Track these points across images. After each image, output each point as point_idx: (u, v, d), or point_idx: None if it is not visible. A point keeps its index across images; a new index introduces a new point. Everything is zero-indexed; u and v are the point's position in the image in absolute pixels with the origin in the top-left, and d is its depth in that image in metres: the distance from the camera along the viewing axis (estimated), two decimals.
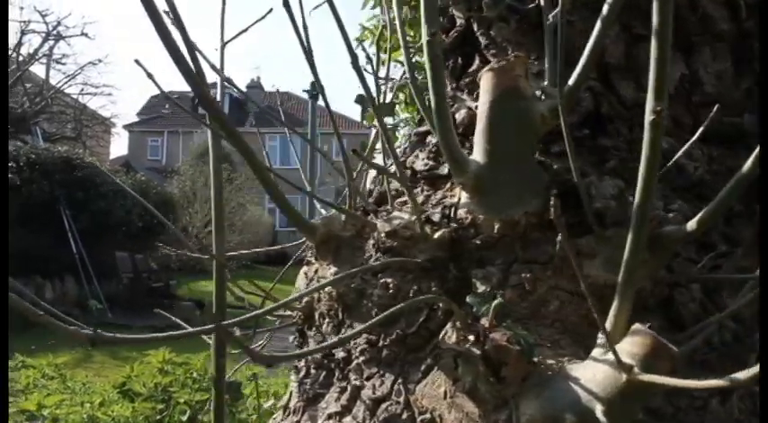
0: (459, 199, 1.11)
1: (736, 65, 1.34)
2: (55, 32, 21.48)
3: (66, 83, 22.30)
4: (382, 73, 1.54)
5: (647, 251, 0.92)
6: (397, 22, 1.21)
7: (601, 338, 0.92)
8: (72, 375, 5.96)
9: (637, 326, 0.85)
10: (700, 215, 0.91)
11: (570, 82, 1.01)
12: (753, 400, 1.08)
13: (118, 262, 14.49)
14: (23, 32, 20.50)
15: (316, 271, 1.29)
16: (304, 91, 7.57)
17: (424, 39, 1.03)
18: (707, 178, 1.23)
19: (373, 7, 5.02)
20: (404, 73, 1.40)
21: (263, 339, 1.50)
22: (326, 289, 1.22)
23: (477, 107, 1.29)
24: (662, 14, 0.77)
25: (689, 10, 1.31)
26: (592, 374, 0.88)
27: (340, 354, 1.19)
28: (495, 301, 0.92)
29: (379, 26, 5.25)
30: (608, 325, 0.90)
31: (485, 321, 1.00)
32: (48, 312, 0.68)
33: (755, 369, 0.66)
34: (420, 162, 1.29)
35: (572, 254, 0.89)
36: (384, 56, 1.52)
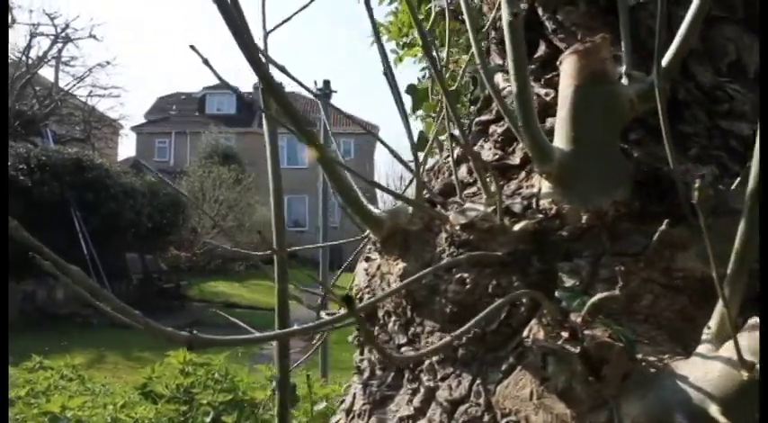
0: (540, 189, 1.05)
1: None
2: (63, 35, 21.50)
3: (75, 85, 22.32)
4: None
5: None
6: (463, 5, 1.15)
7: (706, 334, 0.86)
8: (89, 376, 5.92)
9: (755, 320, 0.79)
10: None
11: (664, 63, 0.95)
12: None
13: (128, 263, 14.50)
14: (33, 35, 20.51)
15: (378, 267, 1.24)
16: (318, 90, 7.47)
17: (505, 20, 0.98)
18: None
19: (390, 2, 4.97)
20: (469, 59, 1.34)
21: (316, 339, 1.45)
22: (393, 285, 1.17)
23: (546, 94, 1.23)
24: None
25: None
26: (703, 373, 0.82)
27: (410, 353, 1.14)
28: (597, 296, 0.86)
29: (396, 22, 5.17)
30: (715, 320, 0.85)
31: (574, 317, 0.94)
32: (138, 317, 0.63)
33: None
34: (486, 152, 1.23)
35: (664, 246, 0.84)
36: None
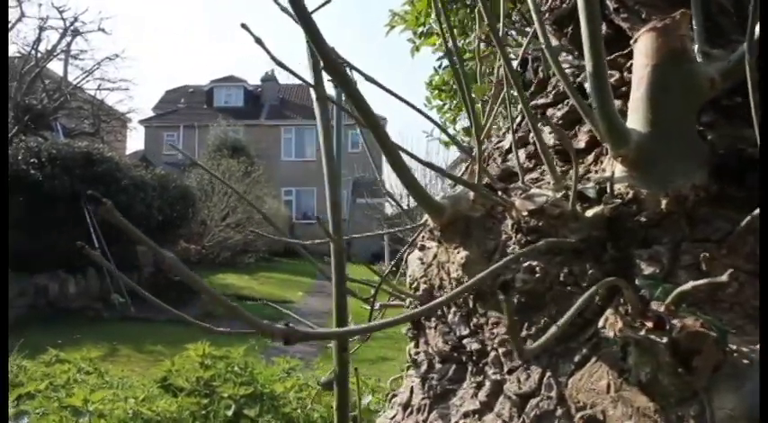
0: (614, 173, 1.01)
1: None
2: (72, 28, 21.47)
3: (84, 78, 22.30)
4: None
5: None
6: None
7: None
8: (105, 370, 5.91)
9: None
10: None
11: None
12: None
13: (139, 256, 14.52)
14: (41, 29, 20.49)
15: (435, 256, 1.20)
16: (328, 80, 7.38)
17: None
18: None
19: None
20: (529, 40, 1.29)
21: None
22: (453, 275, 1.13)
23: (609, 75, 1.18)
24: None
25: None
26: None
27: (473, 345, 1.10)
28: (690, 284, 0.82)
29: (413, 11, 5.09)
30: None
31: (656, 306, 0.90)
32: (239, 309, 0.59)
33: None
34: (547, 136, 1.19)
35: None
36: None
